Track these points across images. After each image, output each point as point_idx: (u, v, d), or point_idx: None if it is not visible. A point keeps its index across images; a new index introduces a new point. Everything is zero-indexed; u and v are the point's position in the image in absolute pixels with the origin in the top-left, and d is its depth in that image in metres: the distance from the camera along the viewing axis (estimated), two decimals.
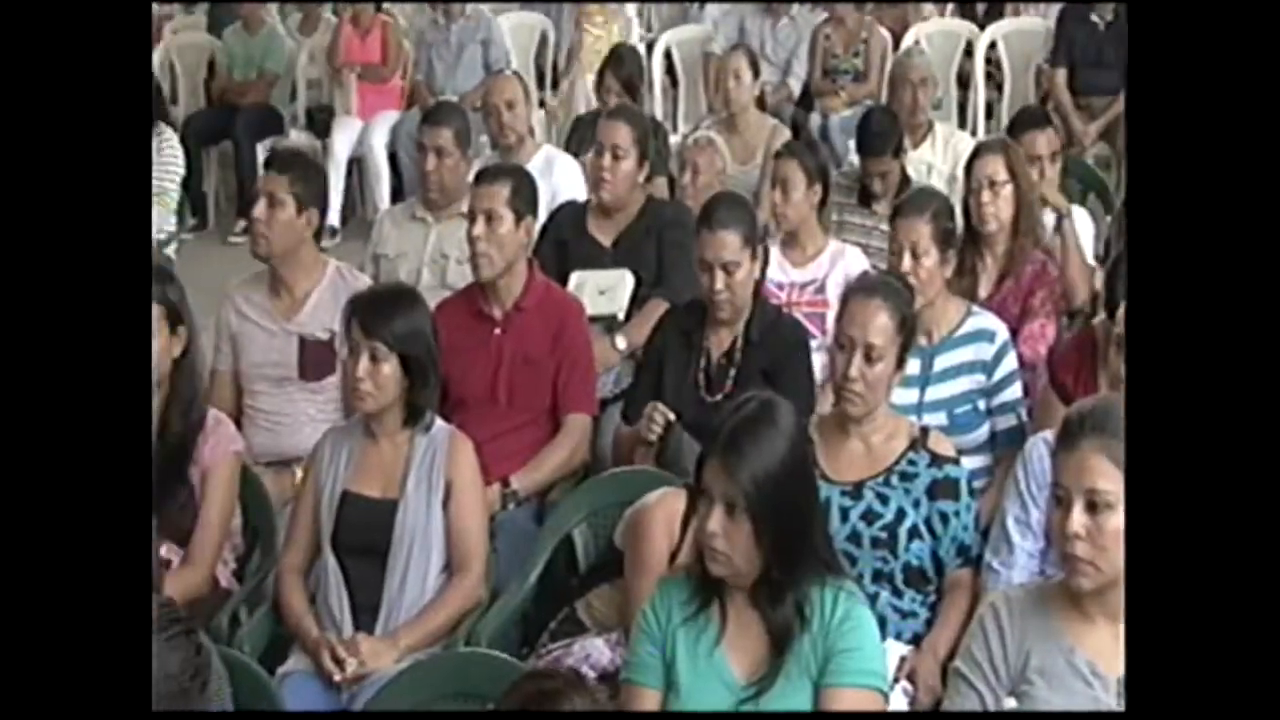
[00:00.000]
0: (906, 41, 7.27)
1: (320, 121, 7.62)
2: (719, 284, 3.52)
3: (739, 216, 3.57)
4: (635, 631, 2.44)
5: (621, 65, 6.17)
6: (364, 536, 3.07)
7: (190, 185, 6.48)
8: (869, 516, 2.92)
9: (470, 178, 4.17)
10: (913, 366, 3.19)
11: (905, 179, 4.97)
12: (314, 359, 3.86)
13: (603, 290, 4.30)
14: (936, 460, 2.96)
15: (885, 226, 4.18)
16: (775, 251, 4.35)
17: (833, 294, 4.13)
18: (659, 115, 7.41)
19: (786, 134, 5.84)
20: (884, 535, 2.91)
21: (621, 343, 4.20)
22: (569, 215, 4.58)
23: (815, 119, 6.92)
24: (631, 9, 8.27)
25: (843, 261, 4.37)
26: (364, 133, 7.38)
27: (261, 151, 7.41)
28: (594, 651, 2.90)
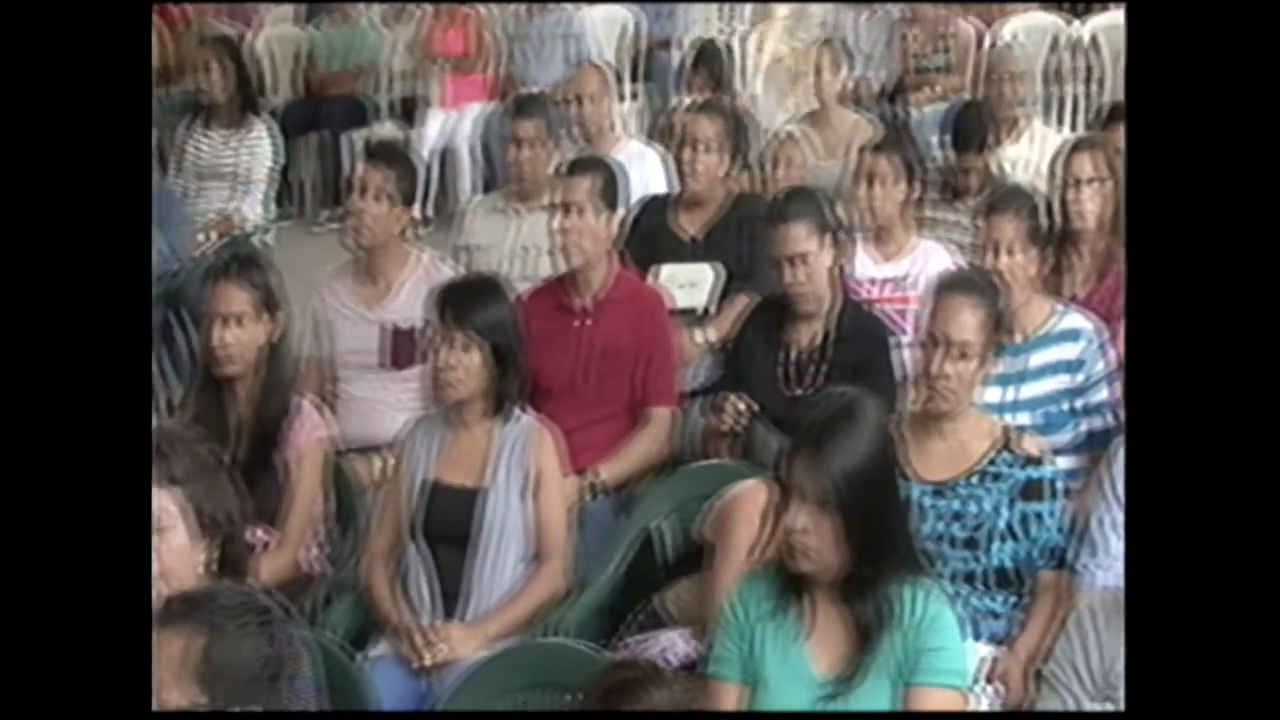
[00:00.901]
0: (997, 36, 7.19)
1: (408, 112, 7.69)
2: (792, 277, 3.52)
3: (806, 208, 3.58)
4: (718, 625, 2.44)
5: (708, 65, 6.16)
6: (449, 524, 3.10)
7: (282, 174, 6.57)
8: (955, 516, 2.90)
9: (557, 169, 4.20)
10: (1001, 365, 3.16)
11: (995, 175, 4.92)
12: (401, 347, 3.91)
13: (688, 283, 4.30)
14: (1025, 461, 2.93)
15: (973, 222, 4.14)
16: (861, 247, 4.34)
17: (919, 291, 4.09)
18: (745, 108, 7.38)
19: (874, 128, 5.80)
20: (970, 536, 2.89)
21: (705, 336, 4.19)
22: (655, 208, 4.58)
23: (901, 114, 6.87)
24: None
25: (930, 258, 4.33)
26: (451, 124, 7.44)
27: (351, 142, 7.51)
28: (672, 644, 2.91)
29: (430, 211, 7.30)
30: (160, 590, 2.32)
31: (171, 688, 1.95)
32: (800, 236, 3.52)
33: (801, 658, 2.36)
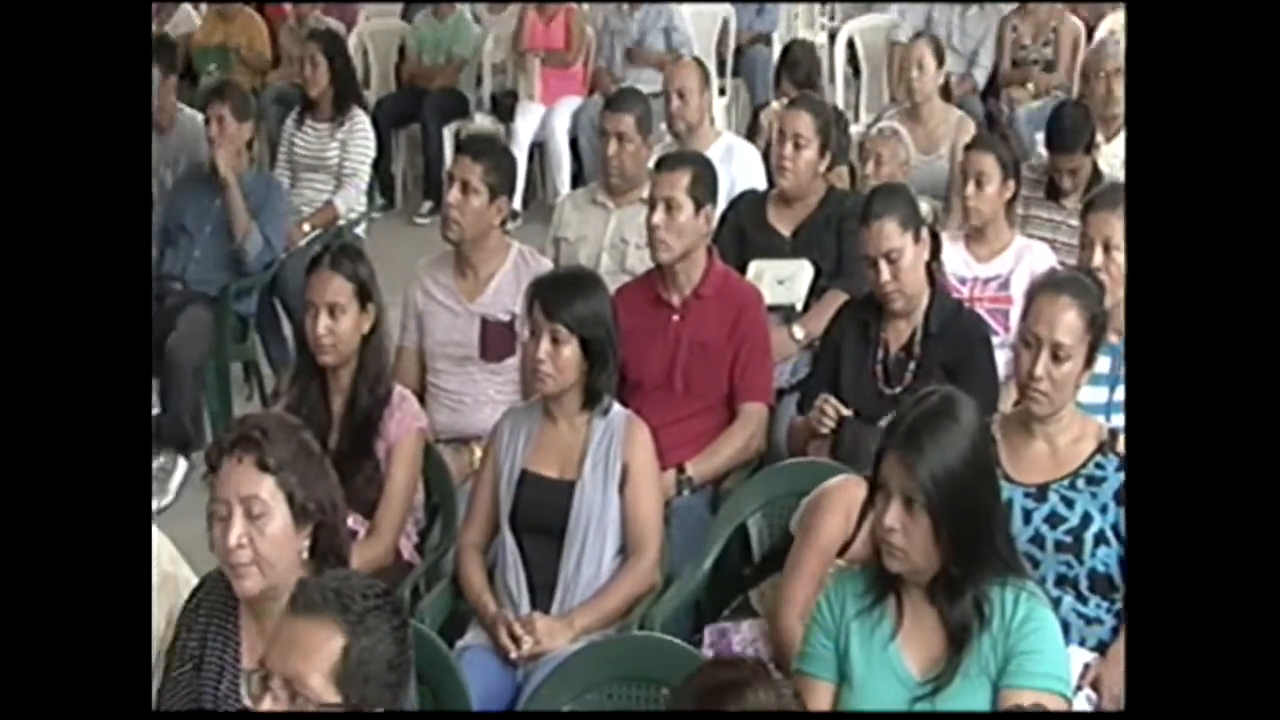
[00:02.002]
0: (1100, 32, 7.07)
1: (504, 106, 7.74)
2: (885, 275, 3.50)
3: (896, 204, 3.55)
4: (809, 622, 2.43)
5: (797, 65, 6.13)
6: (541, 516, 3.12)
7: (380, 167, 6.66)
8: (1053, 520, 2.86)
9: (651, 164, 4.20)
10: (1102, 365, 3.10)
11: (1096, 173, 4.84)
12: (495, 339, 3.94)
13: (781, 280, 4.28)
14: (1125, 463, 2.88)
15: (1074, 222, 4.08)
16: (960, 245, 4.30)
17: (1017, 290, 4.05)
18: (840, 105, 7.34)
19: (971, 125, 5.74)
20: (1069, 539, 2.85)
21: (799, 333, 4.18)
22: (749, 204, 4.57)
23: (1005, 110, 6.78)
24: None
25: (1029, 257, 4.28)
26: (546, 117, 7.48)
27: (448, 135, 7.58)
28: (755, 637, 2.92)
29: (524, 205, 7.36)
30: (259, 579, 2.37)
31: (314, 675, 1.97)
32: (892, 233, 3.49)
33: (894, 657, 2.34)
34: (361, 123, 6.01)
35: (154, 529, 2.66)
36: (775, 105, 5.78)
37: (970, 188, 4.32)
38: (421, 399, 3.74)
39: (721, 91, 7.72)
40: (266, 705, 1.98)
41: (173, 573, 2.59)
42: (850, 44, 7.84)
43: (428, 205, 7.46)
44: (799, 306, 4.26)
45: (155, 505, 4.64)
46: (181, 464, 4.89)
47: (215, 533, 2.40)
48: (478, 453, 3.58)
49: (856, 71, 7.89)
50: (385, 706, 2.01)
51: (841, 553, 2.80)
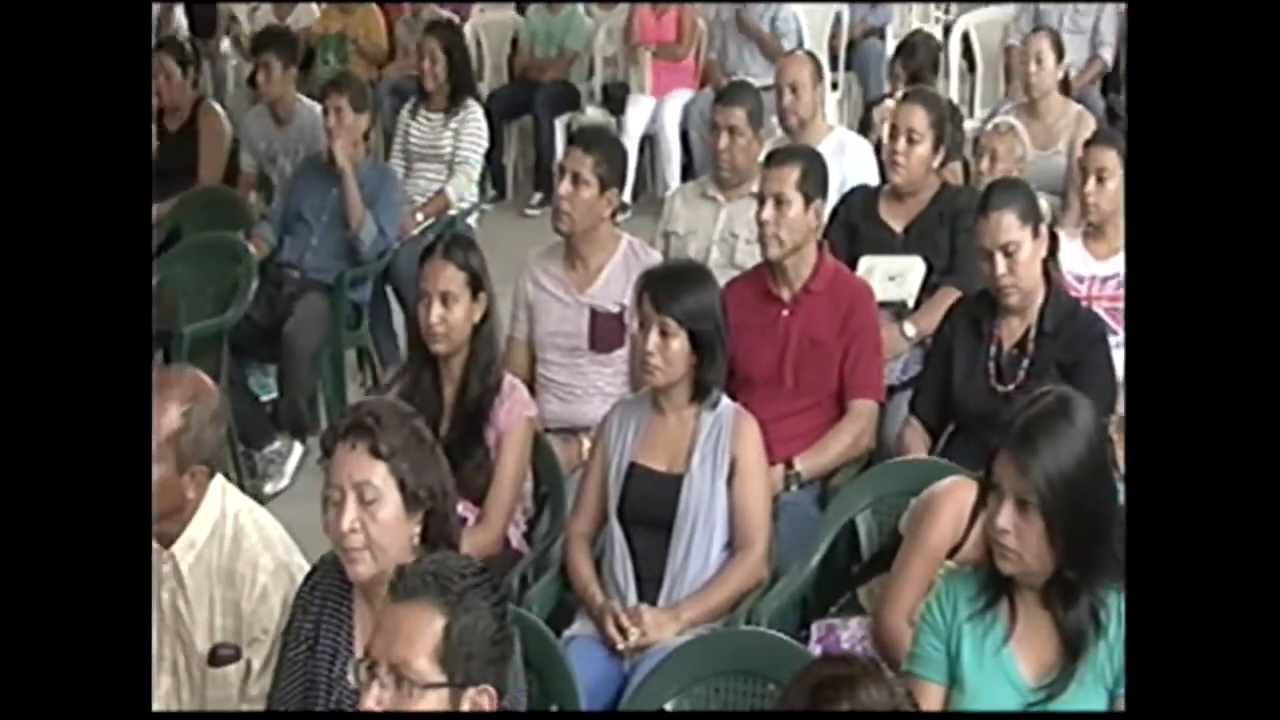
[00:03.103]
0: None
1: (615, 98, 7.76)
2: (1001, 269, 3.45)
3: (1015, 197, 3.50)
4: (920, 624, 2.41)
5: (913, 54, 6.06)
6: (649, 508, 3.13)
7: (491, 158, 6.72)
8: None
9: (761, 158, 4.18)
10: None
11: None
12: (604, 330, 3.95)
13: (893, 276, 4.24)
14: None
15: None
16: (1077, 243, 4.22)
17: None
18: (955, 99, 7.24)
19: (1091, 120, 5.62)
20: None
21: (910, 330, 4.14)
22: (860, 199, 4.53)
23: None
24: None
25: None
26: (657, 110, 7.48)
27: (560, 127, 7.62)
28: (863, 634, 2.90)
29: (634, 197, 7.37)
30: (371, 564, 2.41)
31: (419, 658, 1.99)
32: (1010, 226, 3.45)
33: (1006, 661, 2.31)
34: (475, 113, 6.07)
35: (271, 519, 2.72)
36: (888, 103, 5.72)
37: (1090, 184, 4.24)
38: (531, 389, 3.77)
39: (834, 86, 7.66)
40: (374, 693, 2.01)
41: (287, 561, 2.64)
42: (965, 37, 7.73)
43: (538, 196, 7.51)
44: (910, 303, 4.22)
45: (270, 489, 4.74)
46: (297, 448, 4.99)
47: (329, 517, 2.44)
48: (586, 444, 3.60)
49: (971, 65, 7.78)
50: (489, 683, 2.04)
51: (951, 554, 2.77)
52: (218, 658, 2.60)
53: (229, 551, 2.62)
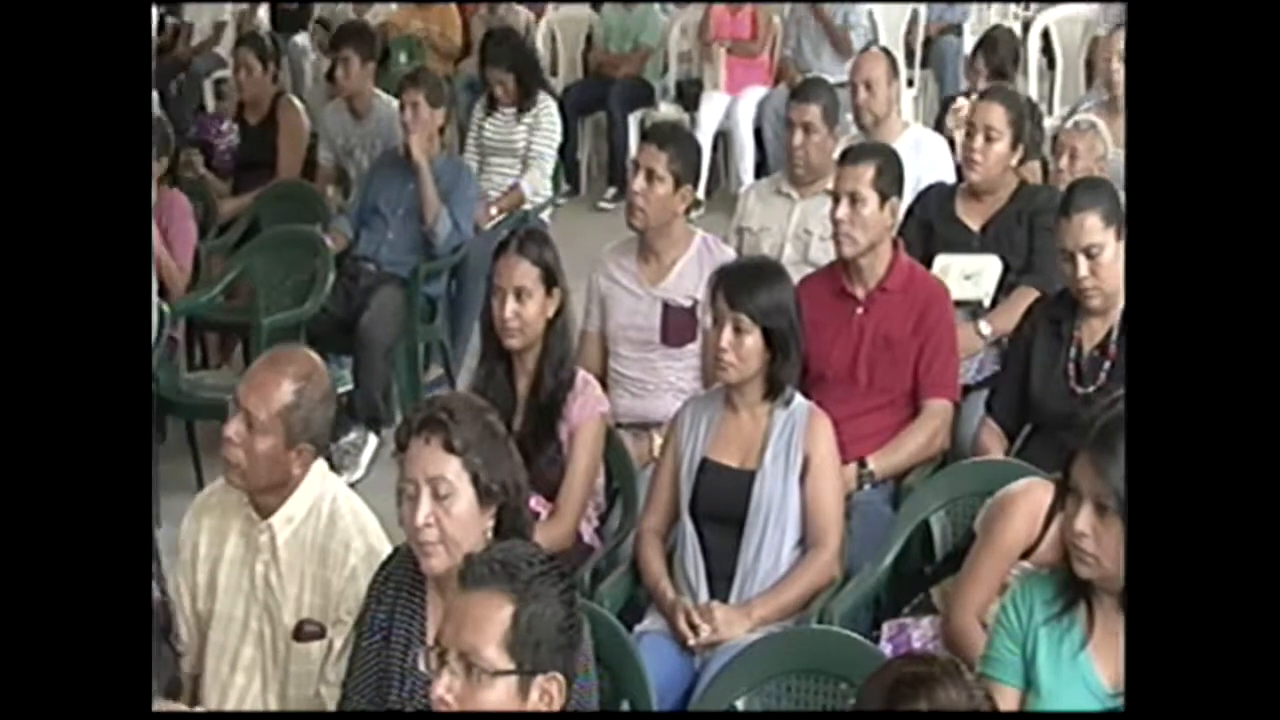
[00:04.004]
0: None
1: (689, 94, 7.76)
2: (1083, 270, 3.40)
3: (1099, 198, 3.45)
4: (995, 626, 2.38)
5: (995, 49, 5.99)
6: (721, 504, 3.12)
7: (565, 153, 6.74)
8: None
9: (836, 156, 4.16)
10: None
11: None
12: (676, 325, 3.95)
13: (969, 275, 4.20)
14: None
15: None
16: None
17: None
18: (1034, 97, 7.17)
19: None
20: None
21: (986, 329, 4.09)
22: (936, 197, 4.49)
23: None
24: None
25: None
26: (731, 107, 7.47)
27: (633, 122, 7.63)
28: (931, 631, 2.88)
29: (707, 193, 7.37)
30: (444, 557, 2.43)
31: (488, 646, 2.01)
32: (1094, 228, 3.40)
33: (1084, 666, 2.28)
34: (549, 108, 6.09)
35: (366, 508, 2.75)
36: (960, 101, 5.67)
37: None
38: (604, 384, 3.77)
39: (910, 83, 7.61)
40: (444, 681, 2.02)
41: (378, 548, 2.68)
42: (1045, 34, 7.65)
43: (611, 192, 7.53)
44: (986, 302, 4.18)
45: (345, 479, 4.78)
46: (372, 440, 5.04)
47: (404, 511, 2.47)
48: (658, 439, 3.60)
49: (1051, 63, 7.69)
50: (558, 670, 2.05)
51: (1024, 556, 2.74)
52: (303, 633, 2.65)
53: (324, 529, 2.67)
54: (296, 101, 6.27)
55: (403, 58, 7.70)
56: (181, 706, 2.14)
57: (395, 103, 5.64)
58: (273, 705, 2.69)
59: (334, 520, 2.67)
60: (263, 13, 8.75)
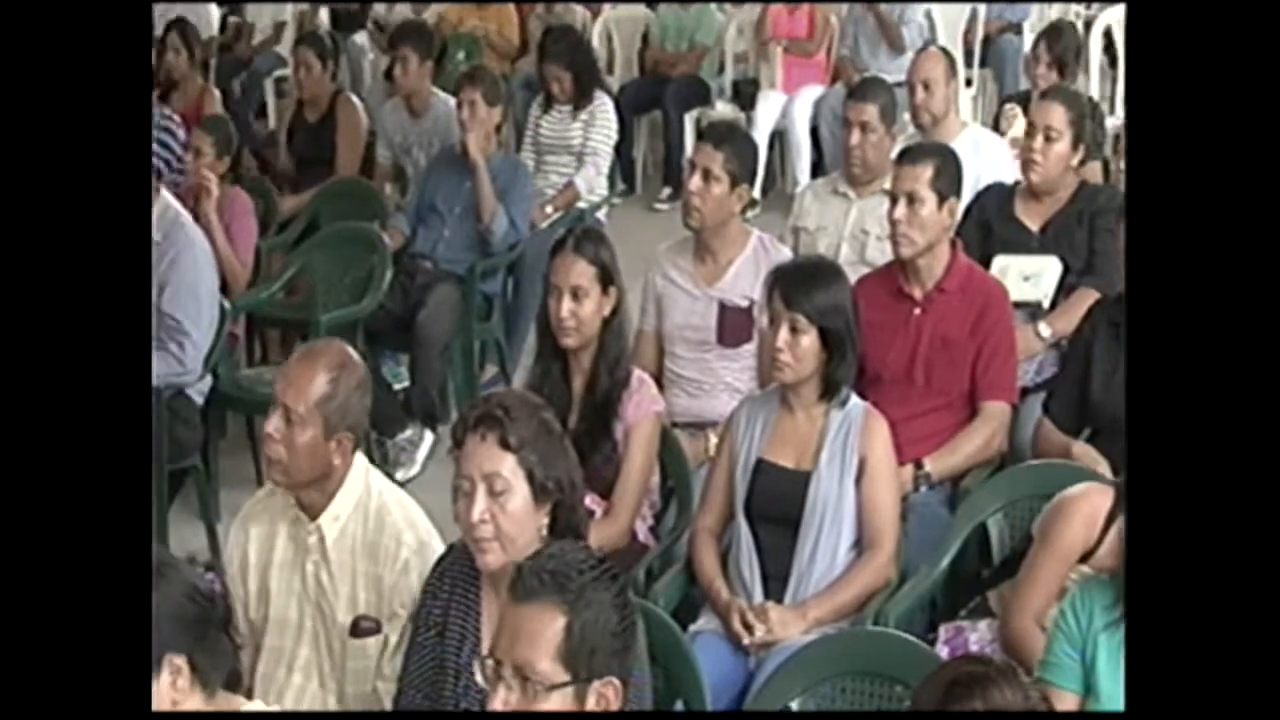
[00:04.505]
0: None
1: (745, 94, 7.74)
2: None
3: None
4: (1054, 631, 2.36)
5: (1057, 39, 5.93)
6: (776, 505, 3.11)
7: (621, 152, 6.74)
8: None
9: (894, 155, 4.13)
10: None
11: None
12: (732, 325, 3.94)
13: (1028, 276, 4.16)
14: None
15: None
16: None
17: None
18: (1095, 96, 7.09)
19: None
20: None
21: (1046, 331, 4.06)
22: (995, 198, 4.45)
23: None
24: None
25: None
26: (787, 106, 7.44)
27: (690, 122, 7.63)
28: (989, 635, 2.86)
29: (763, 193, 7.35)
30: (500, 554, 2.43)
31: (542, 660, 2.00)
32: None
33: None
34: (605, 106, 6.10)
35: (412, 501, 2.77)
36: (1012, 107, 5.62)
37: None
38: (659, 384, 3.77)
39: (968, 82, 7.55)
40: (500, 694, 2.01)
41: (429, 542, 2.69)
42: (1107, 34, 7.56)
43: (667, 191, 7.52)
44: (1046, 304, 4.14)
45: (402, 476, 4.82)
46: (428, 436, 5.07)
47: (459, 508, 2.48)
48: (713, 439, 3.60)
49: (1113, 62, 7.61)
50: (614, 675, 2.03)
51: (1084, 560, 2.72)
52: (359, 629, 2.67)
53: (373, 526, 2.68)
54: (355, 100, 6.32)
55: (460, 56, 7.73)
56: (240, 699, 2.15)
57: (452, 101, 5.66)
58: (331, 703, 2.71)
59: (381, 515, 2.69)
60: (323, 12, 8.82)
